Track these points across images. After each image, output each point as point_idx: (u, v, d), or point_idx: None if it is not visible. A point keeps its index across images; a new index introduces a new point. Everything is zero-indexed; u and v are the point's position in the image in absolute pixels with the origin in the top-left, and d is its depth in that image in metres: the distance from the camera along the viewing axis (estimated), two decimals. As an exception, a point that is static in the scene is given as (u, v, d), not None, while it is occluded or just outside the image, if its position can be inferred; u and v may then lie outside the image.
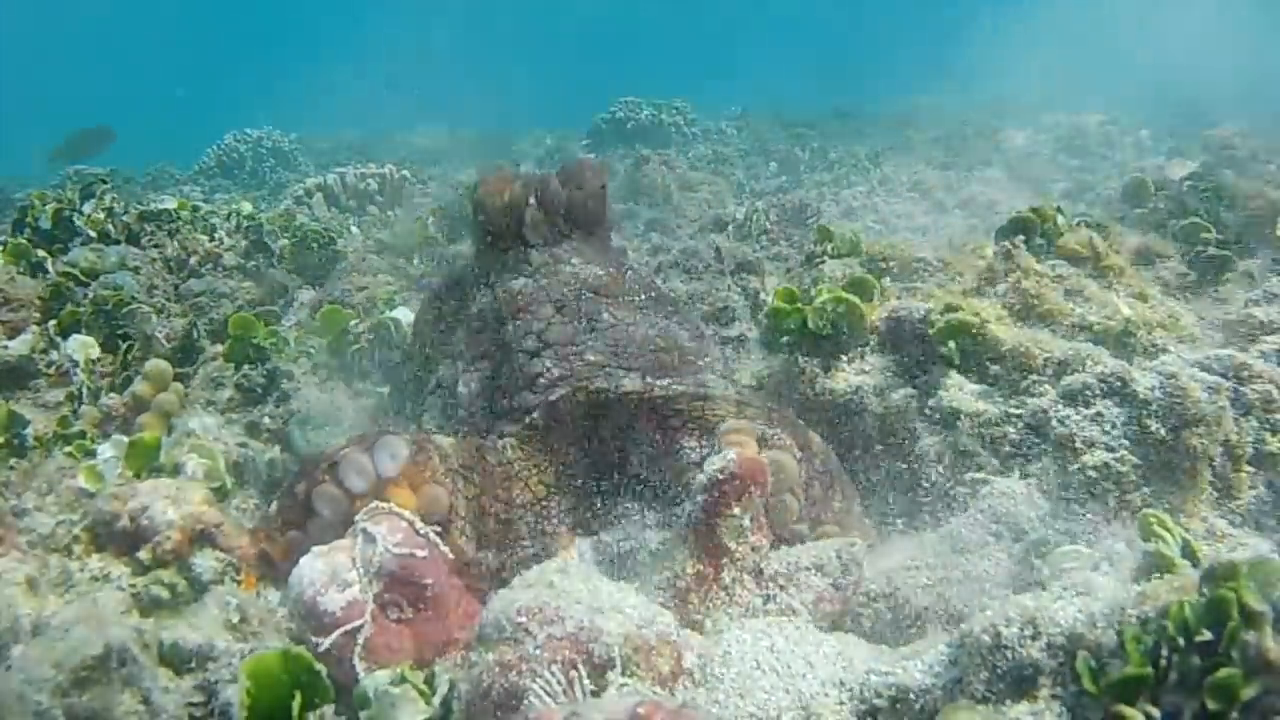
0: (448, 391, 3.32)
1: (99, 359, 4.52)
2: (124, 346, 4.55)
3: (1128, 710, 1.60)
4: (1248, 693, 1.54)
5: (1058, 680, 1.76)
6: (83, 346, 4.52)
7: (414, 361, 3.79)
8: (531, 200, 3.45)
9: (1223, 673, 1.56)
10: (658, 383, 3.00)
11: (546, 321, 3.19)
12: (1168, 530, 2.38)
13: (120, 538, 2.87)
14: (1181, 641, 1.62)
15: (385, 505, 2.72)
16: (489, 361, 3.26)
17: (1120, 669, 1.65)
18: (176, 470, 3.63)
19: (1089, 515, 2.95)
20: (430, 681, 2.33)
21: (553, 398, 2.99)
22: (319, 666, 2.25)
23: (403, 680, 2.27)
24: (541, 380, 3.06)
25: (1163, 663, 1.63)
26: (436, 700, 2.27)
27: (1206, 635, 1.61)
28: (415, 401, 3.58)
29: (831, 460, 3.11)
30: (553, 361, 3.09)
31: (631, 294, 3.37)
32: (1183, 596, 1.70)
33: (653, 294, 3.49)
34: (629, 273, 3.52)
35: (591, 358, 3.09)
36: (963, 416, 3.30)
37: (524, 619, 2.09)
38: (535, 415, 2.99)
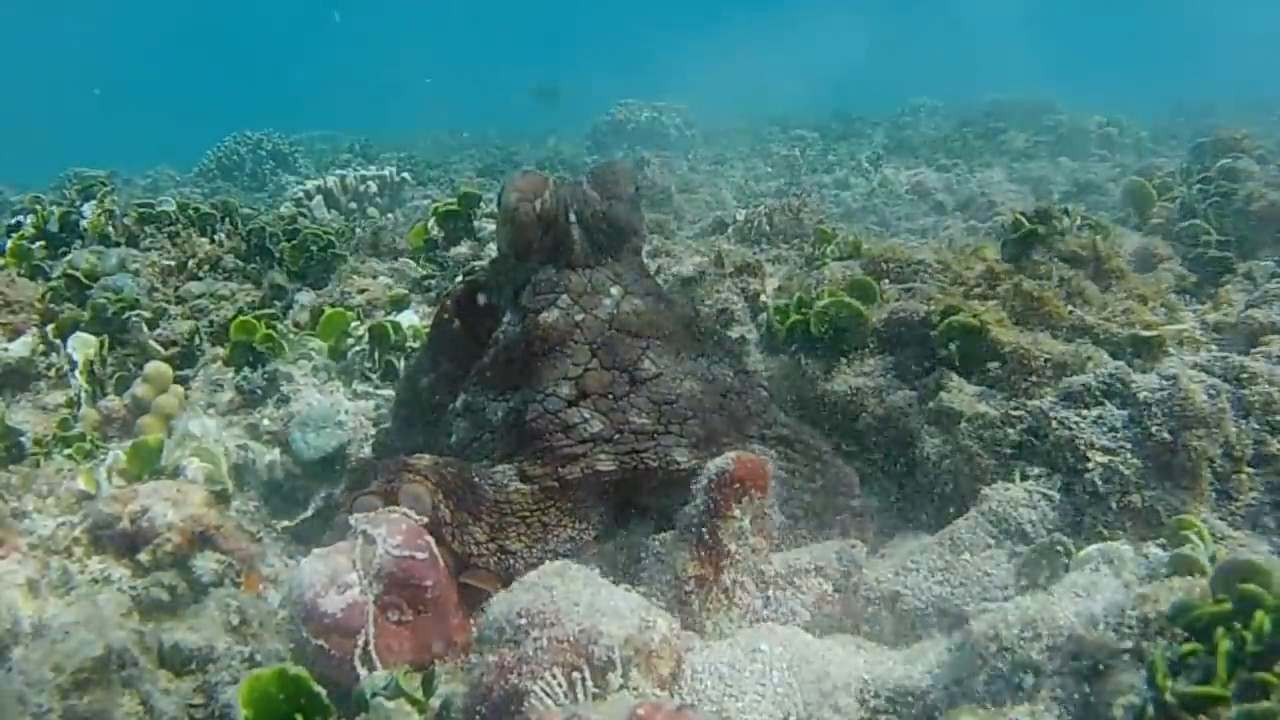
0: (476, 417, 3.17)
1: (97, 360, 4.52)
2: (98, 342, 4.52)
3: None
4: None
5: (1057, 682, 1.76)
6: (82, 345, 4.52)
7: (431, 379, 3.62)
8: (571, 218, 3.21)
9: (1263, 706, 1.54)
10: (708, 459, 2.86)
11: (583, 367, 3.01)
12: (1200, 536, 2.37)
13: (120, 540, 2.88)
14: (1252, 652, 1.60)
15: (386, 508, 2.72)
16: (518, 393, 3.10)
17: (1195, 677, 1.62)
18: (177, 472, 3.64)
19: (1090, 517, 2.96)
20: (429, 685, 2.32)
21: (599, 465, 2.88)
22: (317, 688, 2.22)
23: (398, 689, 2.26)
24: (579, 430, 2.93)
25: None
26: (435, 704, 2.27)
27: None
28: (433, 423, 3.42)
29: (863, 514, 3.13)
30: (591, 413, 2.94)
31: (672, 332, 3.18)
32: (1191, 597, 1.69)
33: (690, 326, 3.32)
34: (666, 303, 3.33)
35: (636, 420, 2.93)
36: (963, 418, 3.30)
37: (524, 621, 2.09)
38: (571, 472, 2.88)
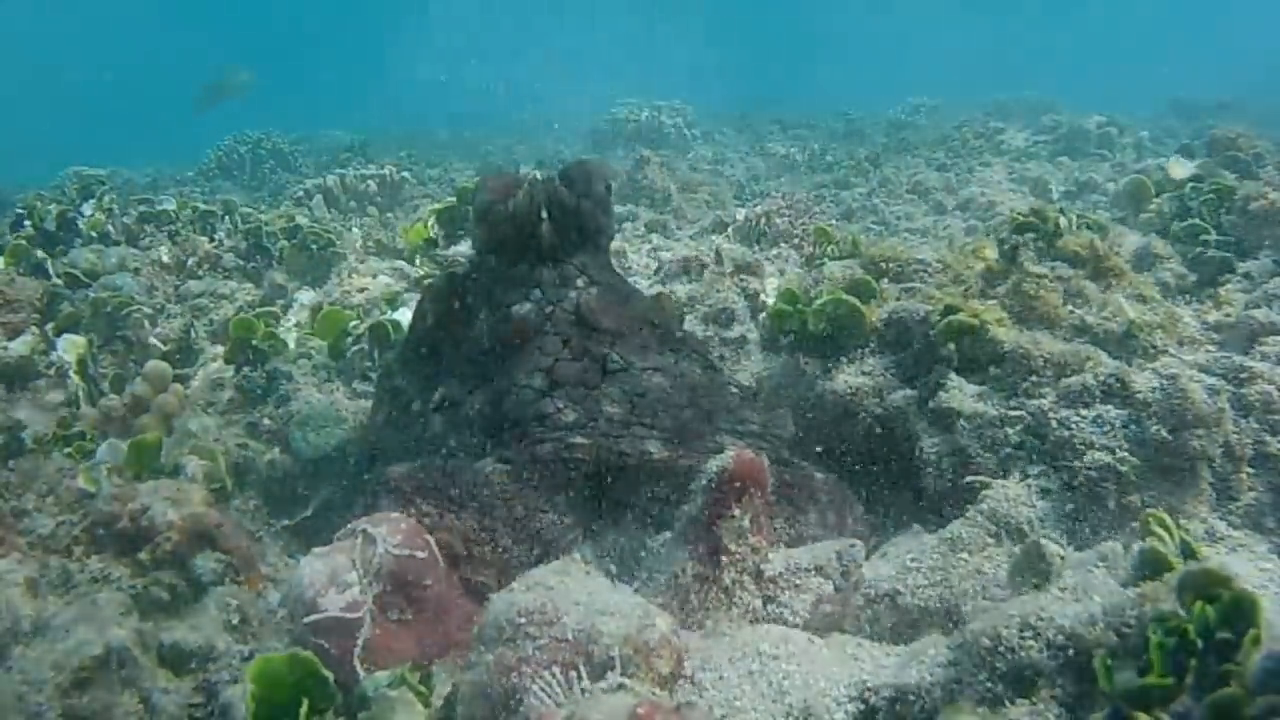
0: (452, 410, 3.21)
1: (97, 359, 4.52)
2: (86, 341, 4.52)
3: (1143, 717, 1.59)
4: (1249, 712, 1.52)
5: (1057, 681, 1.76)
6: (72, 346, 4.52)
7: (410, 372, 3.63)
8: (543, 214, 3.30)
9: (1224, 692, 1.55)
10: (681, 451, 2.92)
11: (554, 357, 3.09)
12: (1167, 530, 2.38)
13: (120, 539, 2.87)
14: (1200, 644, 1.61)
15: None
16: (493, 386, 3.16)
17: (1135, 672, 1.63)
18: (177, 471, 3.64)
19: (1089, 517, 2.96)
20: (428, 683, 2.33)
21: (572, 440, 2.91)
22: (325, 672, 2.24)
23: (401, 682, 2.27)
24: (553, 419, 2.97)
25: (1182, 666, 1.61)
26: (437, 702, 2.27)
27: (1227, 634, 1.59)
28: (411, 420, 3.44)
29: (838, 494, 3.13)
30: (565, 403, 3.00)
31: (637, 327, 3.25)
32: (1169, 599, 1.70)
33: (654, 323, 3.38)
34: (628, 299, 3.40)
35: (609, 409, 2.99)
36: (962, 418, 3.30)
37: (524, 620, 2.09)
38: (544, 449, 2.92)
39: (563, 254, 3.32)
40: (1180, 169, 6.00)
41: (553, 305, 3.20)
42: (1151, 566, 2.03)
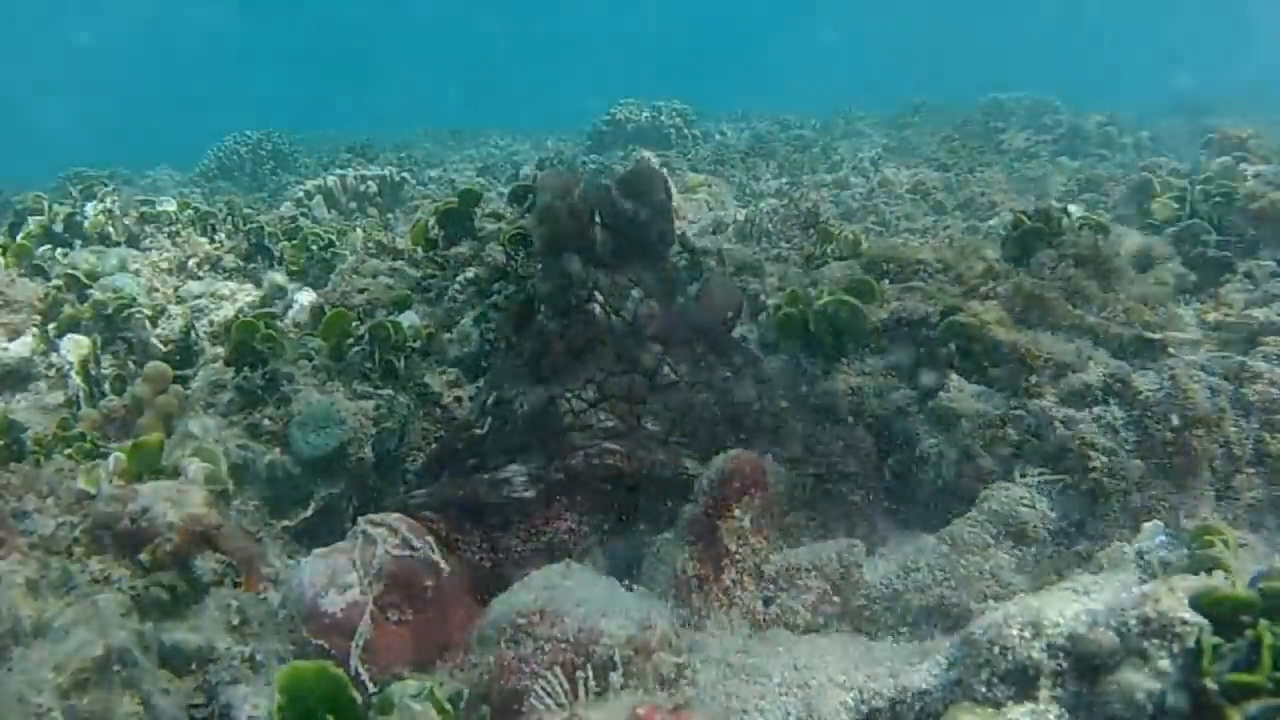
0: (503, 410, 3.26)
1: (97, 360, 4.52)
2: (91, 342, 4.52)
3: (1232, 711, 1.59)
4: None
5: (1058, 680, 1.76)
6: (75, 346, 4.51)
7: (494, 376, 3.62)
8: (597, 219, 3.28)
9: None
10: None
11: (607, 371, 3.13)
12: (1226, 545, 2.36)
13: (121, 540, 2.87)
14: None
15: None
16: (545, 389, 3.20)
17: (1231, 665, 1.62)
18: (177, 472, 3.63)
19: (1091, 517, 2.95)
20: (456, 703, 2.31)
21: (606, 447, 2.97)
22: (354, 693, 2.22)
23: (428, 697, 2.25)
24: (595, 430, 3.04)
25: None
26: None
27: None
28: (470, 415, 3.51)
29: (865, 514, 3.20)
30: (607, 414, 3.06)
31: (690, 339, 3.28)
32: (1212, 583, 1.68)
33: (709, 334, 3.39)
34: (685, 311, 3.40)
35: (650, 426, 3.05)
36: (963, 418, 3.29)
37: (524, 621, 2.09)
38: (577, 461, 2.97)
39: (619, 263, 3.28)
40: (1218, 167, 6.02)
41: (611, 314, 3.21)
42: (1204, 570, 2.00)
